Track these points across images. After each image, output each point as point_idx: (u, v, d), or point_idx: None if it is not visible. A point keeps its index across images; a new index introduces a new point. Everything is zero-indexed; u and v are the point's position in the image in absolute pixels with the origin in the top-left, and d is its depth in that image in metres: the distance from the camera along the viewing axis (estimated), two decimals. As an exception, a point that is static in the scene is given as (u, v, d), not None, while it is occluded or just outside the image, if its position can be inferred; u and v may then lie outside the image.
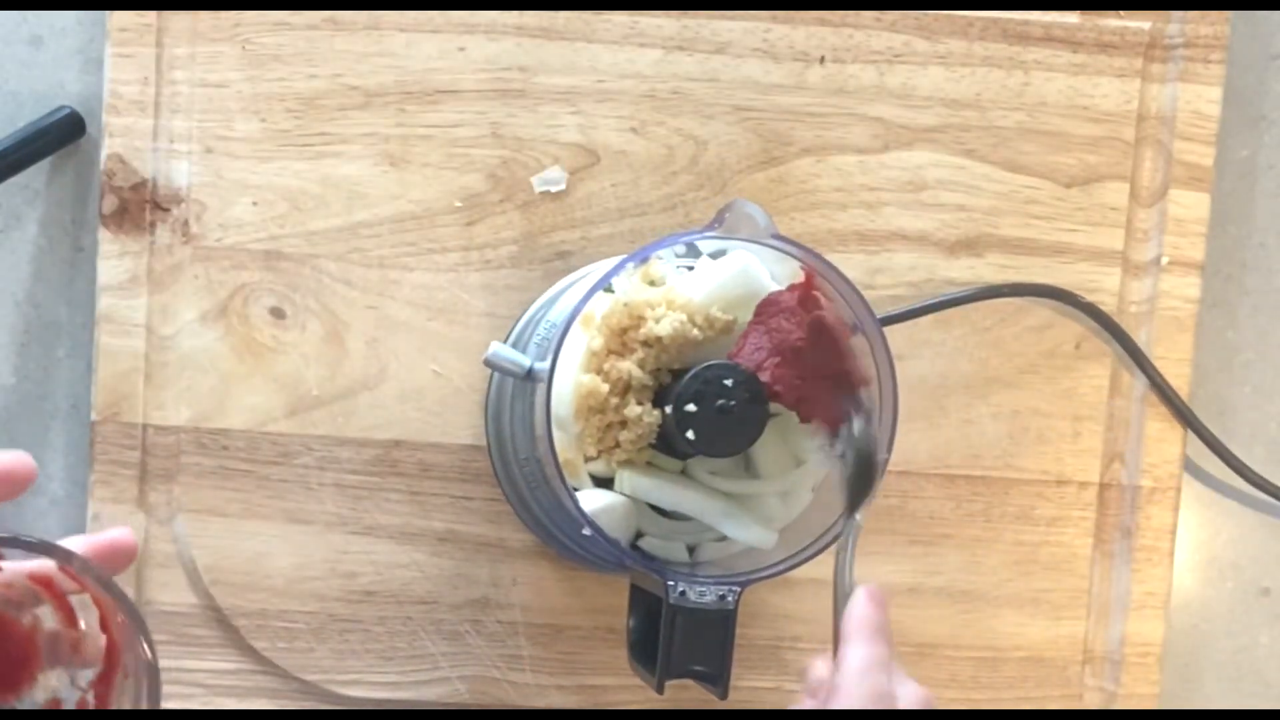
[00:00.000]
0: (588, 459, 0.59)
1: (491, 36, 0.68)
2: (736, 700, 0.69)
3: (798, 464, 0.61)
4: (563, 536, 0.66)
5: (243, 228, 0.68)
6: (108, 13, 0.67)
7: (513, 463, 0.66)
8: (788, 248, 0.58)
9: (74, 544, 0.48)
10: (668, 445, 0.60)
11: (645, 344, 0.58)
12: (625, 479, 0.59)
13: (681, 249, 0.61)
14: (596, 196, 0.69)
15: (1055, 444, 0.70)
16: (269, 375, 0.68)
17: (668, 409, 0.57)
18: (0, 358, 0.70)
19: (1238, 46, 0.72)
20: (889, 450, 0.58)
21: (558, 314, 0.64)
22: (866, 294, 0.59)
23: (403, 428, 0.68)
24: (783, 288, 0.59)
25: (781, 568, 0.57)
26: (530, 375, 0.60)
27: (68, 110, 0.68)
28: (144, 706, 0.47)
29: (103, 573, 0.47)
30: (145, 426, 0.68)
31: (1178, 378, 0.70)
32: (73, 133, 0.69)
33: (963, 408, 0.70)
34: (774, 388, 0.56)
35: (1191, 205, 0.70)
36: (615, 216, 0.69)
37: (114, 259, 0.67)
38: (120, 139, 0.67)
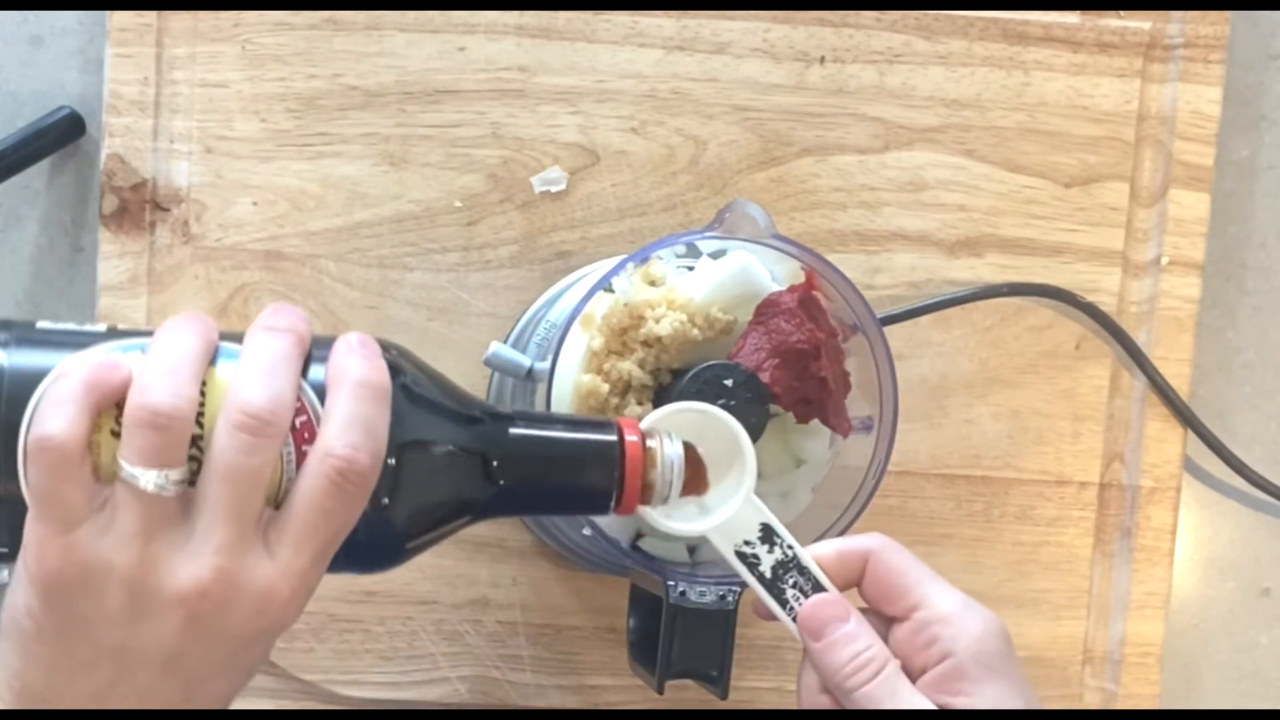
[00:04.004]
0: (588, 459, 0.59)
1: (491, 36, 0.68)
2: (736, 700, 0.69)
3: (798, 464, 0.61)
4: (563, 536, 0.66)
5: (243, 228, 0.68)
6: (108, 13, 0.67)
7: (513, 463, 0.66)
8: (788, 248, 0.58)
9: None
10: (668, 445, 0.59)
11: (645, 344, 0.58)
12: (625, 479, 0.59)
13: (681, 249, 0.61)
14: (596, 196, 0.69)
15: (1055, 444, 0.70)
16: (269, 375, 0.68)
17: (668, 409, 0.57)
18: (0, 358, 0.70)
19: (1238, 46, 0.71)
20: (889, 450, 0.58)
21: (558, 314, 0.64)
22: (866, 294, 0.59)
23: (403, 428, 0.68)
24: (783, 288, 0.59)
25: (781, 568, 0.57)
26: (530, 375, 0.60)
27: (68, 110, 0.68)
28: None
29: None
30: (145, 426, 0.68)
31: (1178, 378, 0.70)
32: (73, 133, 0.69)
33: (963, 408, 0.70)
34: (773, 389, 0.56)
35: (1191, 205, 0.70)
36: (615, 216, 0.69)
37: (114, 259, 0.67)
38: (120, 139, 0.67)
